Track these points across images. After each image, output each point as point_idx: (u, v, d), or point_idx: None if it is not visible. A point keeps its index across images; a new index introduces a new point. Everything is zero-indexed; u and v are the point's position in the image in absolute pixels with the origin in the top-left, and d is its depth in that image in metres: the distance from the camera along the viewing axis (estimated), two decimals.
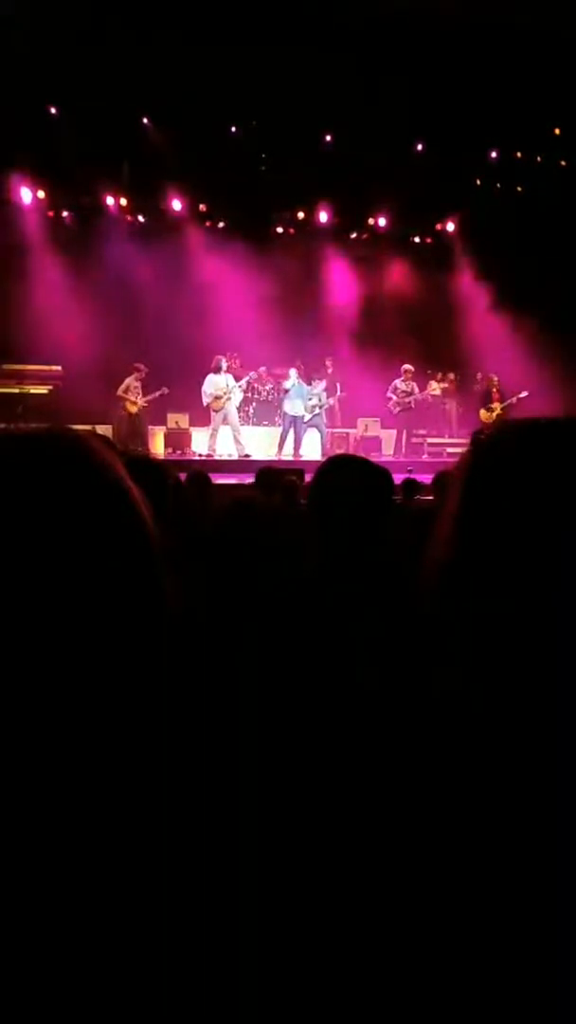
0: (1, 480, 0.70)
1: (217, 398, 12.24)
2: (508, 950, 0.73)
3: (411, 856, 0.78)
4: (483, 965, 0.73)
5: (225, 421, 12.38)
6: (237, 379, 12.92)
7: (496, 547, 0.78)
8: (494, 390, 13.63)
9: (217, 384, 12.27)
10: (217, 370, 12.34)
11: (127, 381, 12.57)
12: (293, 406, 12.76)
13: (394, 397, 13.36)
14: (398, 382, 13.36)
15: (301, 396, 12.76)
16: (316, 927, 0.80)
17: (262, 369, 13.64)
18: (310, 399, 12.80)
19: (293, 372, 12.94)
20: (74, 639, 0.68)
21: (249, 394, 13.90)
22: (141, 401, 12.53)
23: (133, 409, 12.54)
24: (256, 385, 13.80)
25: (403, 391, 13.33)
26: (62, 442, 0.74)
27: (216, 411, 12.31)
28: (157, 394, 12.53)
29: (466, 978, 0.73)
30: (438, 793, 0.79)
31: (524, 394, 12.90)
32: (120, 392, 12.55)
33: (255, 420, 14.14)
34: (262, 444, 13.33)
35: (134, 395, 12.54)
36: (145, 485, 0.78)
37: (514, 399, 13.06)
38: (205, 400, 12.29)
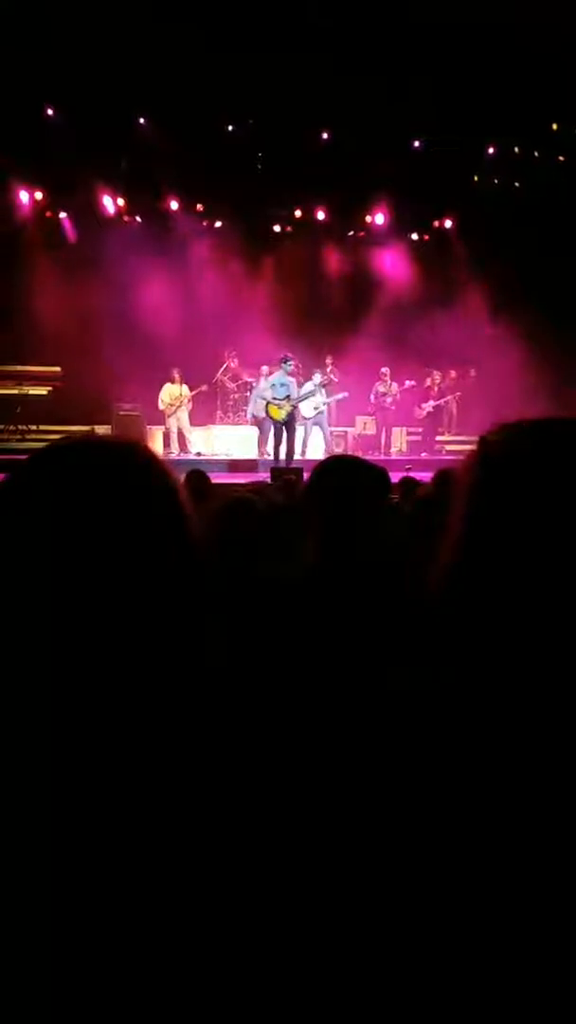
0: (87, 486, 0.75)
1: (170, 405, 12.95)
2: (508, 948, 0.73)
3: (426, 854, 0.78)
4: (483, 964, 0.73)
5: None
6: (237, 378, 13.70)
7: (508, 550, 0.78)
8: None
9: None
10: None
11: (164, 390, 12.84)
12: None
13: (373, 399, 13.74)
14: (377, 384, 13.69)
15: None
16: (323, 925, 0.79)
17: (264, 368, 13.63)
18: (314, 395, 12.66)
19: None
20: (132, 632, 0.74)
21: (248, 393, 13.92)
22: (186, 397, 12.87)
23: (169, 412, 12.86)
24: (253, 384, 13.81)
25: (381, 392, 13.64)
26: (137, 454, 0.80)
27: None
28: (196, 391, 13.08)
29: (467, 977, 0.73)
30: (440, 790, 0.79)
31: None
32: (161, 408, 12.89)
33: (249, 419, 14.13)
34: (256, 443, 13.30)
35: (169, 399, 12.85)
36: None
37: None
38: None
